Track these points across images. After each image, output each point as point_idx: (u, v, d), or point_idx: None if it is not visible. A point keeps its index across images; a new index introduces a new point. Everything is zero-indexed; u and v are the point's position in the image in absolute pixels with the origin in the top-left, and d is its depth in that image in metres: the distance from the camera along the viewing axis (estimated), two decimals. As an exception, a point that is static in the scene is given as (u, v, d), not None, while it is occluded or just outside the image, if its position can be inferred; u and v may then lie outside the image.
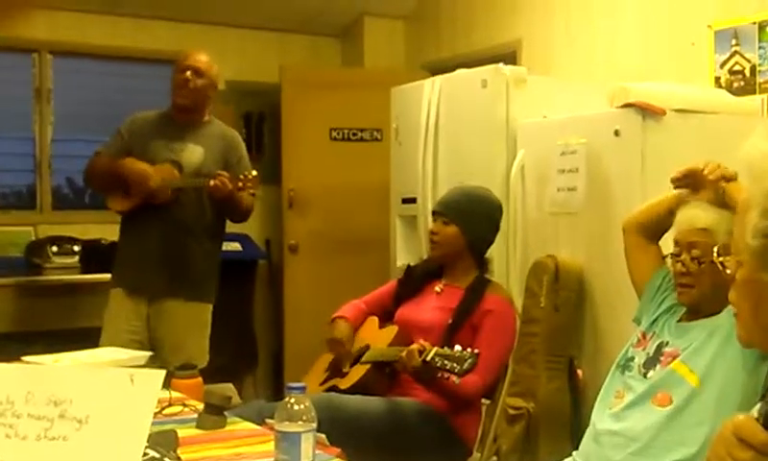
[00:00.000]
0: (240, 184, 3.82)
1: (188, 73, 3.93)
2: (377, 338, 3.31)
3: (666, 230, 2.60)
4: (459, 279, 3.31)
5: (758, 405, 1.27)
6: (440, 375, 2.91)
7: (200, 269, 3.97)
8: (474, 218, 3.33)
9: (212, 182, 3.78)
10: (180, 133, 3.95)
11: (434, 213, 3.44)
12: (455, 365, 2.81)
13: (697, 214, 2.44)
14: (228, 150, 4.01)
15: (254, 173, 3.88)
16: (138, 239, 3.94)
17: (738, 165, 1.42)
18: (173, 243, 3.89)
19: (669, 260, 2.53)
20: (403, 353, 2.94)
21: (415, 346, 2.92)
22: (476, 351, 2.82)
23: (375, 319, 3.43)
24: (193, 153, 3.92)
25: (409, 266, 3.61)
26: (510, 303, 3.32)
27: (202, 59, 4.00)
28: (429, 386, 3.03)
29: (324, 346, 3.50)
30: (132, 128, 4.02)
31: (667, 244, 2.63)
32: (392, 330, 3.29)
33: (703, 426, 2.26)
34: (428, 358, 2.87)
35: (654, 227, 2.66)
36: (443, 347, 2.91)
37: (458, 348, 2.85)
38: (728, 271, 1.41)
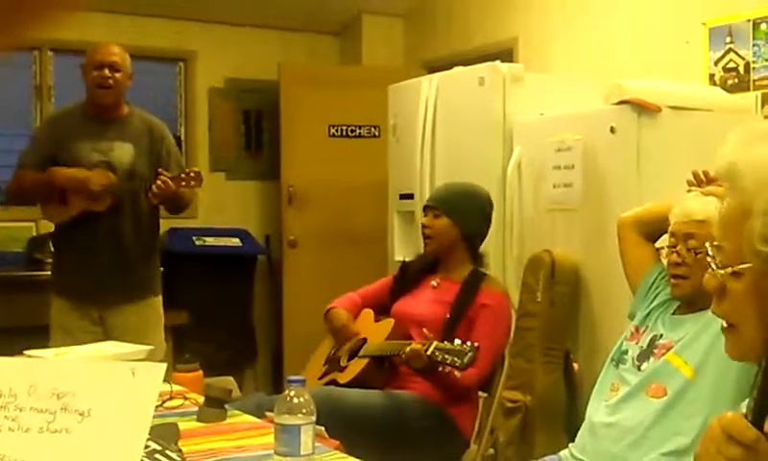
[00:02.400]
0: (183, 183, 3.69)
1: (106, 70, 3.75)
2: (374, 331, 3.32)
3: (664, 232, 2.58)
4: (454, 273, 3.32)
5: (747, 401, 1.28)
6: (440, 368, 2.94)
7: (144, 266, 3.89)
8: (465, 209, 3.33)
9: (154, 187, 3.64)
10: (105, 132, 3.79)
11: (425, 208, 3.44)
12: (456, 359, 2.84)
13: (695, 206, 2.43)
14: (155, 142, 3.86)
15: (196, 169, 3.80)
16: (81, 248, 3.78)
17: (727, 167, 1.37)
18: (115, 247, 3.77)
19: (664, 251, 2.53)
20: (407, 350, 2.97)
21: (418, 345, 2.95)
22: (476, 344, 2.85)
23: (371, 311, 3.44)
24: (122, 151, 3.77)
25: (404, 262, 3.62)
26: (505, 297, 3.34)
27: (115, 51, 3.81)
28: (429, 378, 3.06)
29: (322, 339, 3.52)
30: (52, 131, 3.87)
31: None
32: (388, 324, 3.30)
33: (697, 418, 2.27)
34: (428, 352, 2.90)
35: (652, 227, 2.66)
36: (442, 341, 2.94)
37: (458, 341, 2.88)
38: (719, 271, 1.36)
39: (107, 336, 3.73)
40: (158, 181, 3.63)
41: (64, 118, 3.91)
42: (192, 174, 3.72)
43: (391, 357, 3.12)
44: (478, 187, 3.46)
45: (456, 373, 2.89)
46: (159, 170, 3.69)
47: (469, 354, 2.82)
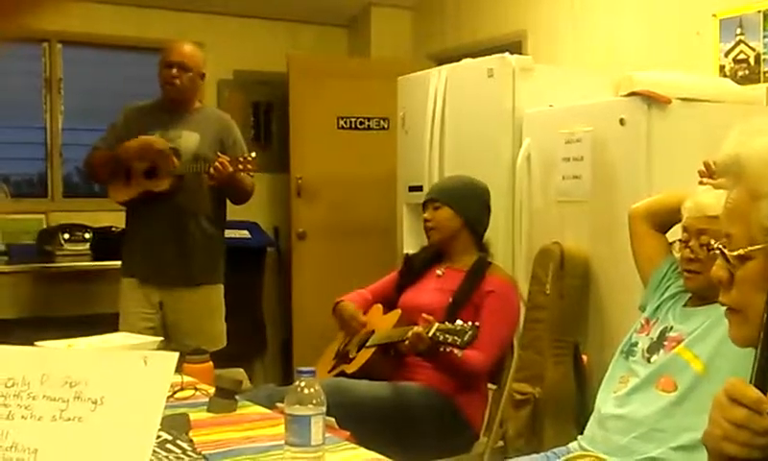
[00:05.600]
0: (240, 166, 3.84)
1: (174, 70, 3.94)
2: (382, 323, 3.34)
3: (676, 223, 2.57)
4: (459, 262, 3.33)
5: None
6: (442, 349, 2.95)
7: (206, 253, 4.01)
8: (464, 197, 3.35)
9: (212, 169, 3.80)
10: (175, 121, 3.97)
11: (424, 204, 3.45)
12: (456, 338, 2.86)
13: (708, 201, 2.40)
14: (222, 133, 4.03)
15: (253, 154, 3.90)
16: (144, 228, 3.98)
17: (730, 159, 1.40)
18: (178, 230, 3.93)
19: (677, 245, 2.51)
20: (409, 334, 2.98)
21: (420, 328, 2.96)
22: (476, 323, 2.87)
23: (380, 306, 3.46)
24: (189, 139, 3.94)
25: (407, 255, 3.64)
26: (511, 284, 3.34)
27: (186, 51, 4.01)
28: (432, 360, 3.07)
29: (332, 331, 3.53)
30: (126, 119, 4.05)
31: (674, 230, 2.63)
32: (395, 314, 3.32)
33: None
34: (430, 334, 2.91)
35: (664, 218, 2.64)
36: (443, 323, 2.95)
37: (459, 322, 2.90)
38: (733, 253, 1.36)
39: (164, 322, 3.93)
40: (217, 163, 3.79)
41: (139, 109, 4.09)
42: (249, 158, 3.85)
43: (396, 344, 3.13)
44: (475, 179, 3.48)
45: (457, 352, 2.90)
46: (219, 153, 3.85)
47: (470, 333, 2.84)
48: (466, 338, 2.85)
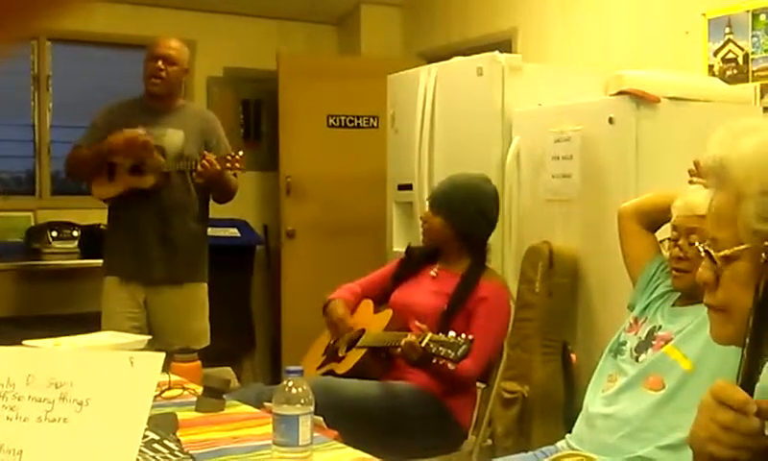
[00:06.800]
0: (228, 164, 3.82)
1: (160, 62, 3.91)
2: (372, 322, 3.32)
3: (666, 222, 2.57)
4: (454, 265, 3.31)
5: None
6: (435, 360, 2.94)
7: (191, 251, 4.00)
8: (461, 211, 3.26)
9: (200, 165, 3.78)
10: (158, 119, 3.94)
11: (428, 199, 3.44)
12: (449, 351, 2.84)
13: (698, 200, 2.40)
14: (206, 132, 4.01)
15: (241, 153, 3.88)
16: (129, 227, 3.94)
17: (716, 162, 1.40)
18: (163, 228, 3.90)
19: (666, 244, 2.52)
20: (402, 343, 2.97)
21: (413, 337, 2.95)
22: (470, 337, 2.84)
23: (370, 302, 3.44)
24: (174, 136, 3.92)
25: (410, 247, 3.61)
26: (504, 290, 3.32)
27: (172, 45, 3.99)
28: (424, 370, 3.06)
29: (321, 330, 3.53)
30: (108, 118, 4.00)
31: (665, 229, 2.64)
32: (386, 315, 3.30)
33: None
34: (423, 344, 2.90)
35: (654, 217, 2.65)
36: (437, 332, 2.94)
37: (452, 334, 2.88)
38: (719, 254, 1.37)
39: (149, 321, 3.92)
40: (204, 161, 3.77)
41: (121, 107, 4.05)
42: (237, 156, 3.84)
43: (388, 349, 3.13)
44: (483, 184, 3.36)
45: (450, 365, 2.89)
46: (205, 152, 3.84)
47: (463, 347, 2.82)
48: (459, 352, 2.82)
